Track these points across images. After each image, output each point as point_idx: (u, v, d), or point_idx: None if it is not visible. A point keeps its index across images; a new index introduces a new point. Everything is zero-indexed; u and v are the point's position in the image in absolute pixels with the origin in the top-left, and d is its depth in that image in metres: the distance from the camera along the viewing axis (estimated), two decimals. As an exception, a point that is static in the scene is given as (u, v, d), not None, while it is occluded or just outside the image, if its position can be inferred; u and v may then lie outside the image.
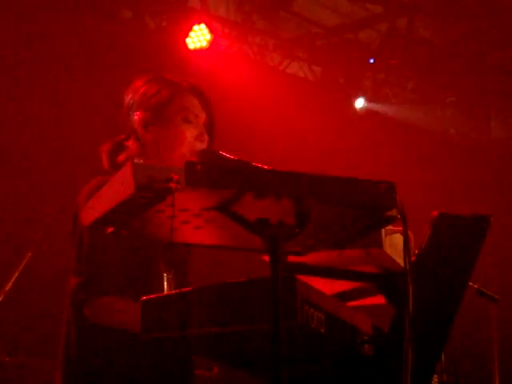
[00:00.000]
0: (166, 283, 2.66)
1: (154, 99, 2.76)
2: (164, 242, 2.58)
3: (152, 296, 1.97)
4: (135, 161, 2.62)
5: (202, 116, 2.80)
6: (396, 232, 2.31)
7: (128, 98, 2.82)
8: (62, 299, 2.70)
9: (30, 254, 5.01)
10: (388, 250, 2.30)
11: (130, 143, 2.80)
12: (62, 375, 2.63)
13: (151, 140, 2.76)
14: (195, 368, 2.80)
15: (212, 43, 7.59)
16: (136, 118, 2.77)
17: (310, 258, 2.20)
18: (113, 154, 2.80)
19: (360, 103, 9.01)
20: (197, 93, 2.81)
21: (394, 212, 1.92)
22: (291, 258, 2.10)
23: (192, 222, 1.93)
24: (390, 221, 1.99)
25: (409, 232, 2.04)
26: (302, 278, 1.90)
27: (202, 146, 2.74)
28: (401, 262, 2.16)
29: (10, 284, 4.92)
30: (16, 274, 4.94)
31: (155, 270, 2.66)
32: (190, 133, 2.75)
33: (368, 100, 9.07)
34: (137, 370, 2.57)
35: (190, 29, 7.49)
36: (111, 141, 2.84)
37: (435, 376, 2.78)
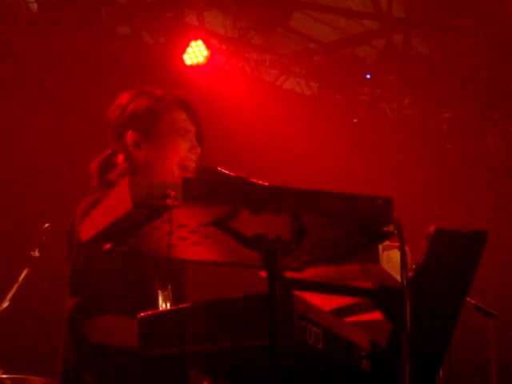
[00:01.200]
0: (161, 300, 2.64)
1: (144, 118, 2.76)
2: (160, 259, 2.60)
3: (149, 312, 1.97)
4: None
5: (192, 129, 2.80)
6: (393, 247, 2.31)
7: (115, 115, 2.81)
8: (60, 317, 2.67)
9: (27, 270, 4.98)
10: (385, 265, 2.30)
11: (120, 161, 2.79)
12: None
13: (144, 158, 2.75)
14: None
15: (209, 59, 7.59)
16: (128, 138, 2.76)
17: (308, 274, 2.20)
18: (103, 172, 2.80)
19: None
20: (184, 106, 2.81)
21: (391, 227, 1.93)
22: (288, 274, 2.10)
23: (189, 238, 1.93)
24: (387, 236, 1.99)
25: (406, 247, 2.04)
26: (300, 293, 1.90)
27: (194, 158, 2.75)
28: (398, 277, 2.16)
29: (8, 301, 4.89)
30: (13, 291, 4.92)
31: (151, 288, 2.65)
32: (182, 146, 2.76)
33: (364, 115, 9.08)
34: None
35: (187, 45, 7.50)
36: (99, 158, 2.84)
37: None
